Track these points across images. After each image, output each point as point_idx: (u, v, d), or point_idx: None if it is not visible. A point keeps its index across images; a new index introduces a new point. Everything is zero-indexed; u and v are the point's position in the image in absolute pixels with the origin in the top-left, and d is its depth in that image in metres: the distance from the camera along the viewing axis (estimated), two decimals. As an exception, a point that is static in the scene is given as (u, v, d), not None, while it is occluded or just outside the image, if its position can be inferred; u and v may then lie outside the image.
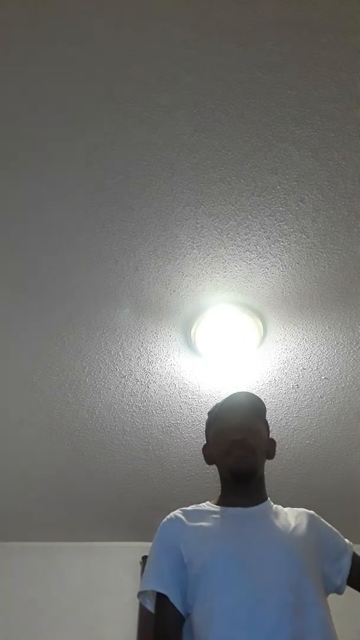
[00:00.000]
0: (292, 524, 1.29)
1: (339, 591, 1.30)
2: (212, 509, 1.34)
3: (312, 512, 1.38)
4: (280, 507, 1.37)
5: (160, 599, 1.21)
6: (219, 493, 1.40)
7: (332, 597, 1.27)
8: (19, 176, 1.61)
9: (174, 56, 1.37)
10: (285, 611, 1.10)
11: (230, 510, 1.32)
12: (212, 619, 1.11)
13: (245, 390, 1.51)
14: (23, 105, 1.46)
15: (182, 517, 1.31)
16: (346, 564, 1.30)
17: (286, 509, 1.36)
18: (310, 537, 1.27)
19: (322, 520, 1.37)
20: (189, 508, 1.35)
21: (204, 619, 1.14)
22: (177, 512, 1.34)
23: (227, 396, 1.46)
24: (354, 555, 1.33)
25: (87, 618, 2.98)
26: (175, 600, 1.19)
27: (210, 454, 1.44)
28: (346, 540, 1.37)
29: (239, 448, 1.32)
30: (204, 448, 1.48)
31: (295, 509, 1.37)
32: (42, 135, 1.52)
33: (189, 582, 1.20)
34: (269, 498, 1.37)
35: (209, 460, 1.46)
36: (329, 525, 1.37)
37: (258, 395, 1.63)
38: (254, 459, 1.34)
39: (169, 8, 1.30)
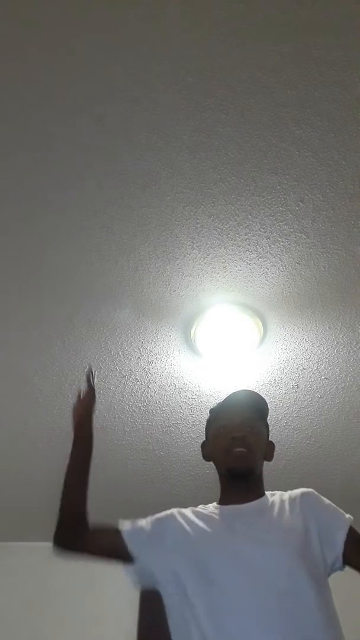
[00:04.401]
0: (286, 513, 1.28)
1: (339, 568, 1.26)
2: (210, 508, 1.35)
3: (309, 490, 1.34)
4: (277, 496, 1.35)
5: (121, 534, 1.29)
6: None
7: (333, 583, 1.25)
8: (19, 176, 1.61)
9: (174, 56, 1.37)
10: (278, 607, 1.10)
11: (225, 508, 1.32)
12: (201, 617, 1.12)
13: (249, 389, 1.50)
14: (23, 105, 1.46)
15: (183, 511, 1.34)
16: (340, 538, 1.24)
17: (284, 496, 1.34)
18: (303, 522, 1.25)
19: (319, 497, 1.34)
20: (188, 508, 1.37)
21: (188, 616, 1.15)
22: (176, 510, 1.36)
23: (230, 393, 1.45)
24: (351, 530, 1.27)
25: (87, 618, 2.98)
26: (130, 543, 1.27)
27: (209, 450, 1.44)
28: (347, 515, 1.31)
29: (238, 445, 1.32)
30: (203, 444, 1.48)
31: (295, 491, 1.34)
32: (42, 135, 1.52)
33: (173, 571, 1.22)
34: (266, 494, 1.37)
35: (207, 457, 1.45)
36: (327, 501, 1.33)
37: None
38: (252, 459, 1.34)
39: (169, 8, 1.30)
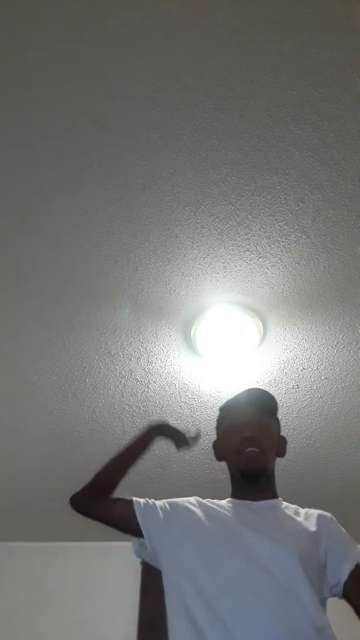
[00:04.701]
0: (298, 519, 1.28)
1: (337, 594, 1.24)
2: (224, 502, 1.36)
3: (328, 514, 1.34)
4: (294, 506, 1.35)
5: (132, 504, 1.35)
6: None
7: (331, 604, 1.24)
8: (19, 176, 1.61)
9: (174, 56, 1.37)
10: (278, 604, 1.10)
11: (239, 502, 1.34)
12: (198, 602, 1.14)
13: (258, 387, 1.50)
14: (23, 104, 1.46)
15: (200, 500, 1.38)
16: (347, 566, 1.23)
17: (302, 510, 1.34)
18: (315, 534, 1.25)
19: (337, 523, 1.33)
20: (206, 499, 1.39)
21: (186, 599, 1.16)
22: (194, 498, 1.39)
23: (239, 392, 1.45)
24: (358, 565, 1.25)
25: (87, 618, 2.98)
26: (140, 517, 1.31)
27: (220, 449, 1.44)
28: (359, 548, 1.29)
29: (249, 446, 1.32)
30: (215, 443, 1.48)
31: (312, 510, 1.35)
32: (42, 135, 1.52)
33: (179, 555, 1.24)
34: (280, 498, 1.37)
35: (219, 456, 1.45)
36: (343, 530, 1.32)
37: None
38: (264, 459, 1.34)
39: (169, 8, 1.30)
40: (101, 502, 1.38)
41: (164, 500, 1.39)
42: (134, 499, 1.37)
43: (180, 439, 1.46)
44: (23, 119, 1.48)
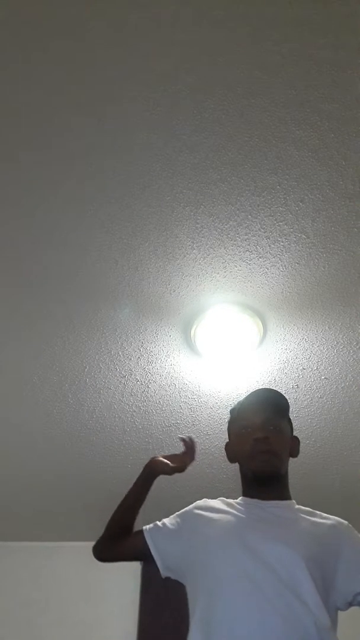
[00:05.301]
0: (311, 523, 1.28)
1: (354, 604, 1.23)
2: (235, 500, 1.38)
3: (345, 522, 1.33)
4: (308, 509, 1.35)
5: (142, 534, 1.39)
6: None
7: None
8: (19, 176, 1.61)
9: (174, 56, 1.37)
10: (278, 597, 1.11)
11: (249, 500, 1.35)
12: (206, 598, 1.17)
13: (268, 388, 1.50)
14: (23, 104, 1.46)
15: (208, 502, 1.41)
16: None
17: (317, 513, 1.34)
18: (326, 542, 1.24)
19: (354, 532, 1.31)
20: (217, 499, 1.42)
21: (202, 590, 1.20)
22: (202, 501, 1.42)
23: (249, 393, 1.45)
24: None
25: (87, 618, 2.98)
26: (150, 540, 1.36)
27: (232, 451, 1.44)
28: None
29: (261, 448, 1.31)
30: (227, 445, 1.48)
31: (328, 515, 1.34)
32: (42, 135, 1.52)
33: (194, 557, 1.27)
34: (294, 500, 1.37)
35: (231, 458, 1.45)
36: None
37: None
38: (278, 462, 1.33)
39: (169, 8, 1.30)
40: (117, 543, 1.42)
41: (174, 514, 1.43)
42: (144, 527, 1.41)
43: (176, 469, 1.45)
44: (23, 119, 1.48)
